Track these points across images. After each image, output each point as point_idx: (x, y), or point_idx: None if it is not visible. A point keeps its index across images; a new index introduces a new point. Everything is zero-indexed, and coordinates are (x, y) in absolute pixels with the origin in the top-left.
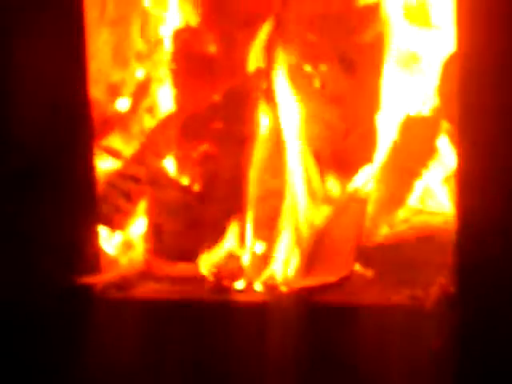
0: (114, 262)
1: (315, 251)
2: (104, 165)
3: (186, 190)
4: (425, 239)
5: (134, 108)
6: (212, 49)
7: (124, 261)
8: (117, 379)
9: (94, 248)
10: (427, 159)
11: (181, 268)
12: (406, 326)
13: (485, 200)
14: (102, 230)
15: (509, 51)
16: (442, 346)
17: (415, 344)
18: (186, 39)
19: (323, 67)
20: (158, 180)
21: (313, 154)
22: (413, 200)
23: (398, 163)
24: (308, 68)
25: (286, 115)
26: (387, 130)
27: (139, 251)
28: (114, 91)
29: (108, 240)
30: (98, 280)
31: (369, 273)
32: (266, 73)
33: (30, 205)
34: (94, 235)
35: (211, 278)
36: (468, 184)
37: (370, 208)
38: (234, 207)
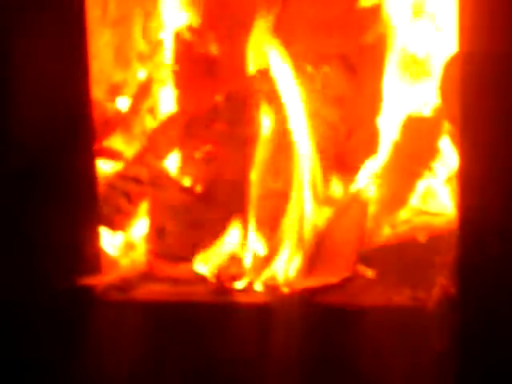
0: (115, 263)
1: (317, 252)
2: (105, 166)
3: (187, 191)
4: (426, 240)
5: (136, 109)
6: (214, 50)
7: (125, 262)
8: (118, 381)
9: (95, 249)
10: (429, 160)
11: (182, 269)
12: (408, 327)
13: (486, 201)
14: (103, 231)
15: (510, 52)
16: (443, 347)
17: (417, 345)
18: (187, 40)
19: (325, 68)
20: (160, 181)
21: (315, 155)
22: (414, 201)
23: (400, 164)
24: (310, 69)
25: (287, 116)
26: (389, 131)
27: (140, 252)
28: (116, 92)
29: (109, 241)
30: (99, 281)
31: (370, 273)
32: (267, 74)
33: (31, 205)
34: (95, 236)
35: (213, 279)
36: (469, 185)
37: (372, 209)
38: (235, 208)
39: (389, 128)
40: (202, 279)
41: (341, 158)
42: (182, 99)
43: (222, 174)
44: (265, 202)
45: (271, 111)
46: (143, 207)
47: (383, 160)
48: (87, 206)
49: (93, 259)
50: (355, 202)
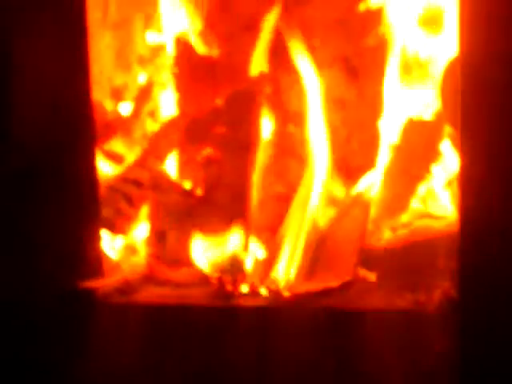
0: (116, 266)
1: (318, 255)
2: (106, 169)
3: (188, 194)
4: (428, 243)
5: (137, 112)
6: (215, 53)
7: (126, 265)
8: (119, 383)
9: (97, 252)
10: (430, 163)
11: (183, 272)
12: (409, 330)
13: (487, 204)
14: (105, 235)
15: (511, 56)
16: (445, 350)
17: (418, 348)
18: (188, 43)
19: (327, 71)
20: (161, 184)
21: (316, 159)
22: (415, 204)
23: (401, 167)
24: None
25: (289, 119)
26: (390, 134)
27: (142, 255)
28: (117, 95)
29: (110, 244)
30: (100, 284)
31: (371, 277)
32: (269, 77)
33: (32, 208)
34: (97, 239)
35: (214, 283)
36: (470, 188)
37: (373, 212)
38: (236, 212)
39: (390, 131)
40: (203, 282)
41: (342, 160)
42: (183, 102)
43: (223, 178)
44: (266, 205)
45: (272, 114)
46: (144, 210)
47: (384, 163)
48: (88, 209)
49: (94, 262)
50: (356, 206)
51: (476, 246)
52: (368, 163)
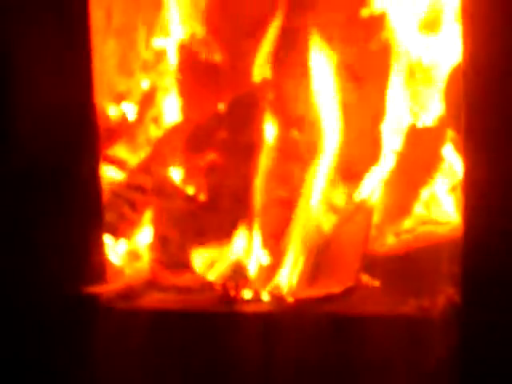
0: (119, 271)
1: (321, 261)
2: (110, 174)
3: (191, 199)
4: (431, 249)
5: (140, 117)
6: (218, 58)
7: (130, 270)
8: None
9: (100, 257)
10: (433, 168)
11: (186, 278)
12: (412, 336)
13: (491, 209)
14: (108, 240)
15: None
16: (448, 356)
17: (421, 354)
18: (191, 49)
19: (329, 76)
20: (164, 189)
21: (319, 163)
22: (419, 209)
23: (404, 172)
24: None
25: (291, 124)
26: (393, 139)
27: (145, 261)
28: (120, 100)
29: (114, 250)
30: (103, 289)
31: (375, 283)
32: (271, 83)
33: (36, 214)
34: (100, 245)
35: (217, 288)
36: (474, 193)
37: (376, 217)
38: (240, 217)
39: (393, 136)
40: (206, 288)
41: (345, 166)
42: (186, 108)
43: (226, 183)
44: (269, 210)
45: (274, 120)
46: (147, 216)
47: (387, 168)
48: (92, 214)
49: (97, 267)
50: (359, 211)
51: (479, 251)
52: (371, 169)
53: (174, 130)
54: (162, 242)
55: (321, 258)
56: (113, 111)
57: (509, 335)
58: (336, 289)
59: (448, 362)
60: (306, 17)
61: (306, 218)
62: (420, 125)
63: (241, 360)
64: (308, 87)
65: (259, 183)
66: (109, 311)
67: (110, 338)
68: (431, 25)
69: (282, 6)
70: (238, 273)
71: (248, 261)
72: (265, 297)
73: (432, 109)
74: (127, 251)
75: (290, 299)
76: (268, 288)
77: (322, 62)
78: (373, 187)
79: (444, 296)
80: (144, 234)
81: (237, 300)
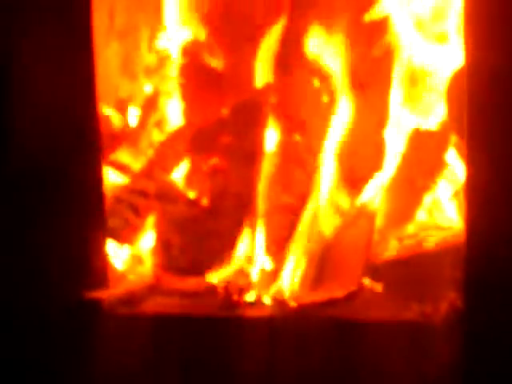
0: (122, 276)
1: (324, 266)
2: (113, 179)
3: (194, 204)
4: (434, 254)
5: (143, 122)
6: (220, 63)
7: (132, 275)
8: None
9: (103, 262)
10: (436, 173)
11: (189, 282)
12: (415, 341)
13: (493, 214)
14: (111, 245)
15: None
16: (451, 361)
17: (424, 359)
18: (194, 53)
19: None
20: (167, 194)
21: (322, 169)
22: (421, 214)
23: (407, 177)
24: (316, 82)
25: (294, 129)
26: (396, 144)
27: (148, 266)
28: (123, 105)
29: (116, 254)
30: (106, 295)
31: (377, 287)
32: (274, 87)
33: (38, 219)
34: (103, 250)
35: (220, 293)
36: (476, 198)
37: (379, 222)
38: (242, 222)
39: (396, 141)
40: (209, 292)
41: (348, 171)
42: (189, 112)
43: (229, 187)
44: (272, 215)
45: (277, 124)
46: (150, 220)
47: (390, 173)
48: (94, 219)
49: (100, 272)
50: (362, 216)
51: (482, 256)
52: (374, 173)
53: (177, 135)
54: (164, 246)
55: (323, 262)
56: (115, 115)
57: (511, 341)
58: (339, 294)
59: (451, 368)
60: (309, 21)
61: (309, 223)
62: (423, 130)
63: (244, 364)
64: (311, 92)
65: (262, 188)
66: (111, 316)
67: (112, 342)
68: (434, 30)
69: (284, 11)
70: (240, 277)
71: (251, 265)
72: (267, 301)
73: (435, 114)
74: (130, 256)
75: (293, 304)
76: (271, 292)
77: (324, 67)
78: (376, 192)
79: (447, 301)
80: (147, 239)
81: (240, 304)
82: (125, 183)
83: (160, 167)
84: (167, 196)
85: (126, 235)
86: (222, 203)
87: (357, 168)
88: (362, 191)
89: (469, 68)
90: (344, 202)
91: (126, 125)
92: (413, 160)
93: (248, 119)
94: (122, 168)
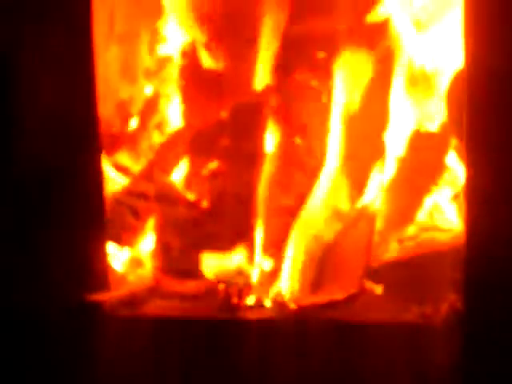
0: (122, 279)
1: (324, 268)
2: (113, 182)
3: (194, 206)
4: (434, 256)
5: (143, 124)
6: (220, 65)
7: (133, 278)
8: None
9: (103, 265)
10: (436, 176)
11: (189, 285)
12: (415, 343)
13: (493, 216)
14: (111, 247)
15: None
16: (451, 363)
17: (424, 361)
18: (194, 56)
19: (331, 83)
20: (167, 197)
21: (322, 171)
22: (422, 216)
23: (407, 179)
24: (316, 84)
25: (294, 132)
26: (396, 146)
27: (148, 268)
28: (123, 108)
29: (117, 257)
30: (106, 297)
31: (377, 290)
32: (274, 89)
33: (38, 222)
34: (103, 252)
35: (220, 295)
36: (476, 200)
37: (379, 224)
38: (242, 224)
39: (396, 143)
40: (209, 295)
41: (348, 173)
42: (189, 115)
43: (229, 190)
44: (271, 217)
45: (277, 127)
46: (150, 223)
47: (390, 175)
48: (94, 222)
49: (101, 275)
50: (362, 218)
51: (482, 258)
52: (374, 175)
53: (177, 137)
54: (164, 249)
55: (324, 264)
56: (115, 118)
57: (511, 342)
58: (339, 295)
59: (451, 369)
60: (309, 23)
61: (309, 225)
62: (423, 132)
63: (243, 366)
64: (311, 94)
65: (262, 190)
66: (112, 318)
67: (113, 345)
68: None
69: (284, 13)
70: (240, 279)
71: (251, 268)
72: (267, 303)
73: (435, 116)
74: (130, 258)
75: (293, 306)
76: (271, 295)
77: (324, 69)
78: (376, 194)
79: (447, 303)
80: (147, 242)
81: (239, 307)
82: (125, 186)
83: (160, 169)
84: (167, 198)
85: (126, 238)
86: (221, 205)
87: (357, 170)
88: (362, 193)
89: (468, 71)
90: (344, 204)
91: (126, 127)
92: (413, 162)
93: (248, 121)
94: (122, 170)
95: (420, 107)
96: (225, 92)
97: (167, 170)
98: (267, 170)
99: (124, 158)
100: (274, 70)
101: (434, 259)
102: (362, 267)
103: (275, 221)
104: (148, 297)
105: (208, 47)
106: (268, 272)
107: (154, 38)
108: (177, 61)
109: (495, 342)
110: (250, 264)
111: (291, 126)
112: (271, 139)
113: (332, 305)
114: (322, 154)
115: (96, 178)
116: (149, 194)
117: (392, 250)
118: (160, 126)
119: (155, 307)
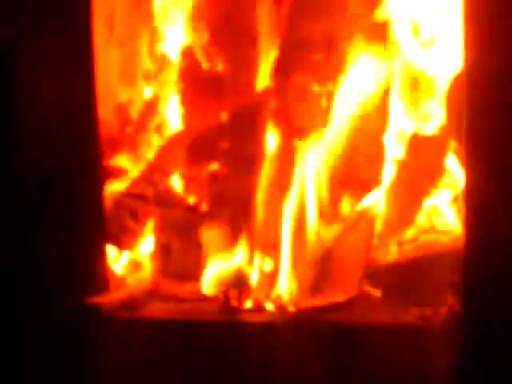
0: (122, 281)
1: (323, 271)
2: (112, 184)
3: (193, 209)
4: (433, 258)
5: (142, 127)
6: (220, 68)
7: (132, 280)
8: None
9: (103, 268)
10: (435, 178)
11: (189, 287)
12: (415, 345)
13: (492, 219)
14: (110, 250)
15: None
16: (450, 365)
17: (424, 363)
18: (193, 58)
19: (330, 86)
20: (166, 199)
21: (321, 173)
22: (421, 219)
23: (407, 182)
24: (316, 87)
25: (294, 134)
26: (395, 149)
27: (147, 271)
28: (122, 110)
29: (116, 260)
30: (106, 299)
31: (377, 292)
32: (274, 92)
33: (38, 225)
34: (103, 255)
35: (219, 298)
36: (475, 203)
37: (379, 227)
38: (241, 226)
39: (395, 146)
40: (208, 297)
41: (348, 175)
42: (188, 117)
43: (228, 192)
44: (271, 220)
45: (277, 129)
46: (149, 226)
47: (390, 178)
48: (94, 224)
49: (100, 278)
50: (362, 221)
51: (481, 260)
52: (374, 178)
53: (176, 140)
54: (163, 251)
55: (323, 267)
56: (115, 121)
57: (511, 344)
58: (338, 298)
59: (450, 371)
60: (309, 26)
61: (309, 228)
62: (422, 135)
63: (243, 369)
64: (310, 96)
65: (261, 192)
66: (111, 321)
67: (112, 347)
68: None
69: (284, 16)
70: (240, 282)
71: (250, 270)
72: (267, 306)
73: (434, 119)
74: (129, 261)
75: (292, 309)
76: (270, 297)
77: (323, 71)
78: (376, 197)
79: (446, 305)
80: (146, 244)
81: (239, 309)
82: (124, 188)
83: (159, 172)
84: (166, 201)
85: (125, 240)
86: (220, 208)
87: (357, 173)
88: (362, 196)
89: (468, 74)
90: (344, 206)
91: (126, 130)
92: (412, 165)
93: (247, 124)
94: (121, 173)
95: (420, 110)
96: (224, 94)
97: (166, 172)
98: (266, 172)
99: (123, 160)
100: (274, 72)
101: (433, 261)
102: (362, 270)
103: (275, 223)
104: (147, 299)
105: (207, 50)
106: (267, 275)
107: (154, 40)
108: (176, 63)
109: (494, 343)
110: (250, 267)
111: (291, 129)
112: (270, 141)
113: (332, 307)
114: (322, 157)
115: (96, 181)
116: (148, 196)
117: (391, 253)
118: (159, 129)
119: (154, 309)
